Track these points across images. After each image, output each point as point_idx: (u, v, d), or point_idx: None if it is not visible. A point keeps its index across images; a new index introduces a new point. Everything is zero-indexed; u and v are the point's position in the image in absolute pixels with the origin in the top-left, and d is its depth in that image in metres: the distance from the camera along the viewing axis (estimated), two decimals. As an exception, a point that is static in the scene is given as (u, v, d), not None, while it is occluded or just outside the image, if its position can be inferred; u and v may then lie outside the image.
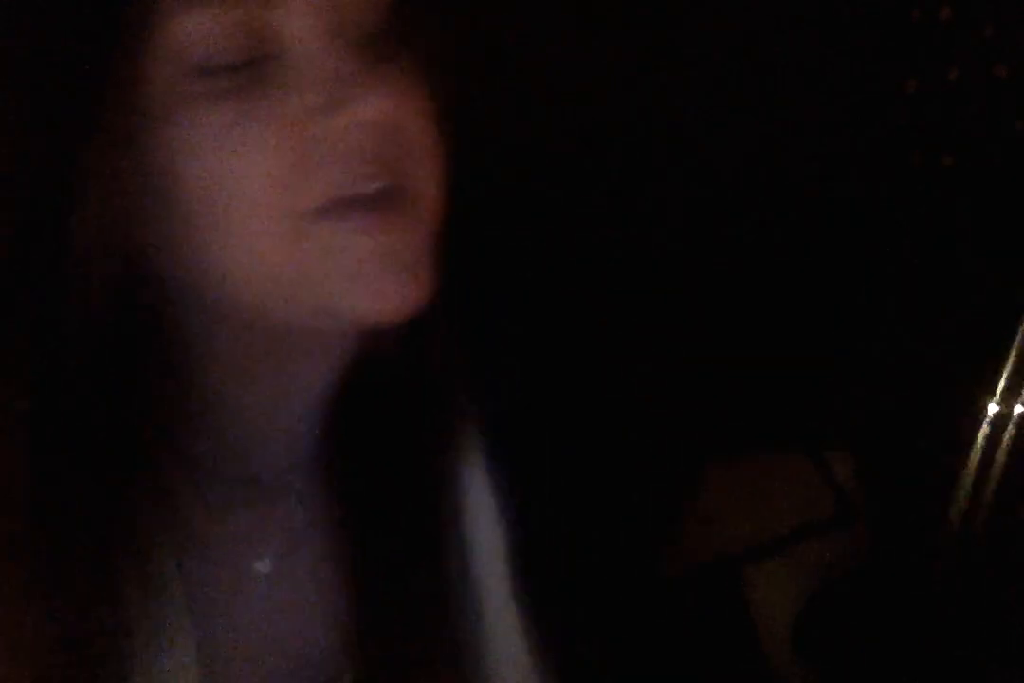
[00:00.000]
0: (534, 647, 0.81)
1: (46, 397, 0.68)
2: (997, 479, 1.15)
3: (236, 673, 0.76)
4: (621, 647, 0.85)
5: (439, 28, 0.74)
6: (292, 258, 0.69)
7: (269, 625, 0.78)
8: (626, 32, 1.31)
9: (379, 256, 0.69)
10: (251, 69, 0.68)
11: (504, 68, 1.20)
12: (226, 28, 0.67)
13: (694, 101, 1.33)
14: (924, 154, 1.25)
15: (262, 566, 0.78)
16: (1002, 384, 1.15)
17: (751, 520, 1.25)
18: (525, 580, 0.81)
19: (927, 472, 1.21)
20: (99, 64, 0.67)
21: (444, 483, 0.81)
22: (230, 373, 0.74)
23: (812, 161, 1.34)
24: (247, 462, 0.77)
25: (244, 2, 0.67)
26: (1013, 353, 1.13)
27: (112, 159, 0.67)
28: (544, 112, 1.26)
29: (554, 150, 1.25)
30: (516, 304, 0.87)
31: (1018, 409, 1.15)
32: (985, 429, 1.15)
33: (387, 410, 0.79)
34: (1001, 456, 1.14)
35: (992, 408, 1.15)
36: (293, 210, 0.68)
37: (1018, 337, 1.13)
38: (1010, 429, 1.15)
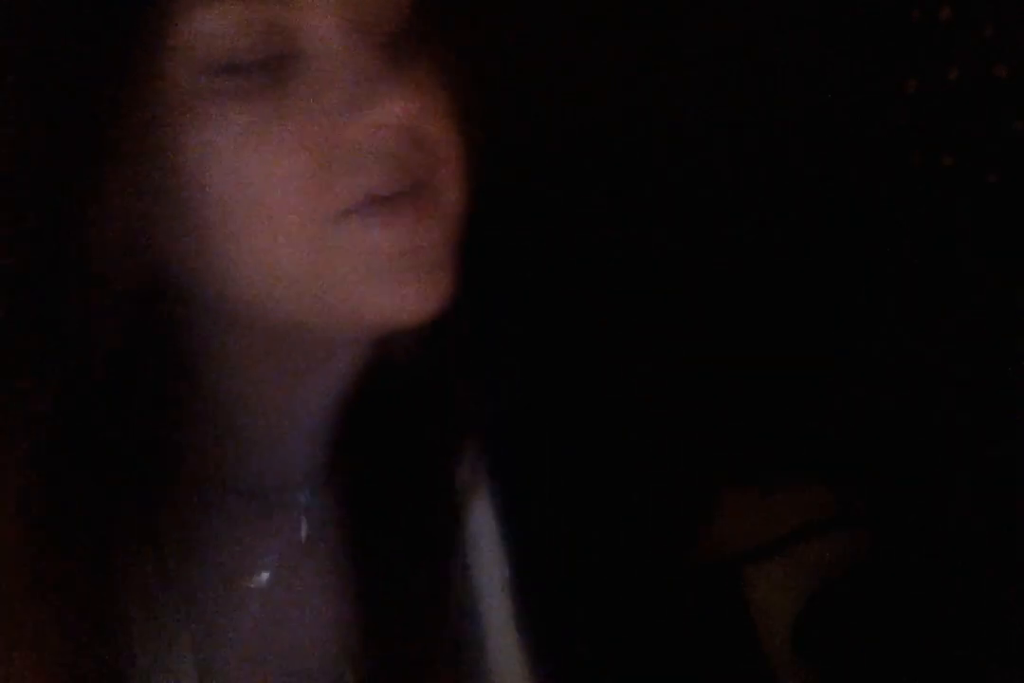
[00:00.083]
0: (535, 660, 0.80)
1: (62, 402, 0.67)
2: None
3: None
4: (620, 647, 0.85)
5: (462, 29, 0.74)
6: (314, 261, 0.68)
7: (267, 638, 0.77)
8: (626, 32, 1.31)
9: (403, 254, 0.69)
10: (271, 68, 0.67)
11: (506, 68, 1.20)
12: (246, 26, 0.66)
13: (694, 101, 1.33)
14: (924, 154, 1.25)
15: (261, 578, 0.77)
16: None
17: (751, 520, 1.25)
18: (527, 603, 0.80)
19: (927, 472, 1.21)
20: (115, 63, 0.66)
21: (451, 499, 0.80)
22: (241, 381, 0.74)
23: (812, 161, 1.34)
24: (253, 472, 0.76)
25: (264, 0, 0.66)
26: None
27: (130, 161, 0.66)
28: (544, 112, 1.26)
29: (552, 150, 1.25)
30: (530, 314, 0.86)
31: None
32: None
33: (397, 423, 0.79)
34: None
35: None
36: (316, 213, 0.67)
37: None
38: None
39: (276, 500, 0.78)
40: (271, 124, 0.67)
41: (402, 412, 0.79)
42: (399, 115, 0.68)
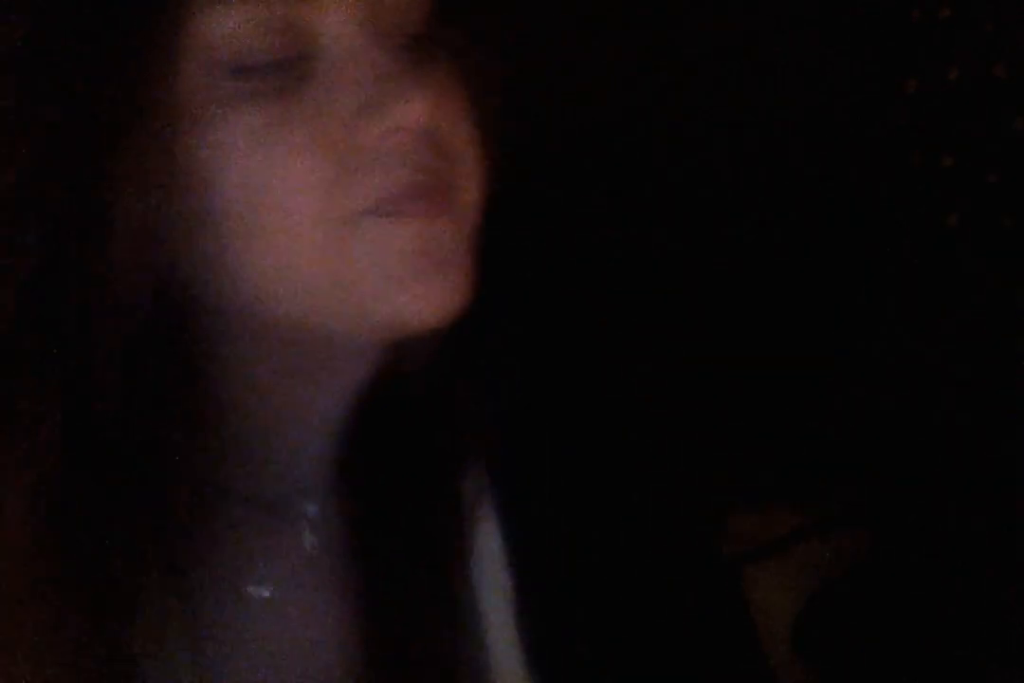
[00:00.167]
0: (538, 673, 0.80)
1: (68, 406, 0.67)
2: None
3: None
4: (620, 646, 0.85)
5: (481, 30, 0.73)
6: (330, 263, 0.67)
7: (269, 648, 0.76)
8: (626, 32, 1.31)
9: (420, 255, 0.67)
10: (287, 69, 0.66)
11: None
12: (261, 25, 0.65)
13: (694, 101, 1.33)
14: (924, 154, 1.25)
15: (265, 590, 0.76)
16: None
17: (751, 520, 1.25)
18: (531, 616, 0.80)
19: (927, 472, 1.21)
20: (127, 63, 0.64)
21: (457, 513, 0.79)
22: (251, 387, 0.72)
23: (812, 161, 1.34)
24: (259, 480, 0.75)
25: None
26: None
27: (142, 164, 0.65)
28: (544, 113, 1.26)
29: (552, 150, 1.25)
30: (537, 320, 0.86)
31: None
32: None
33: (405, 434, 0.78)
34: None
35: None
36: (331, 215, 0.66)
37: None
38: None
39: (282, 510, 0.76)
40: (286, 126, 0.66)
41: (410, 423, 0.77)
42: (416, 118, 0.66)
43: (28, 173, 0.66)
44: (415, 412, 0.78)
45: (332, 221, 0.66)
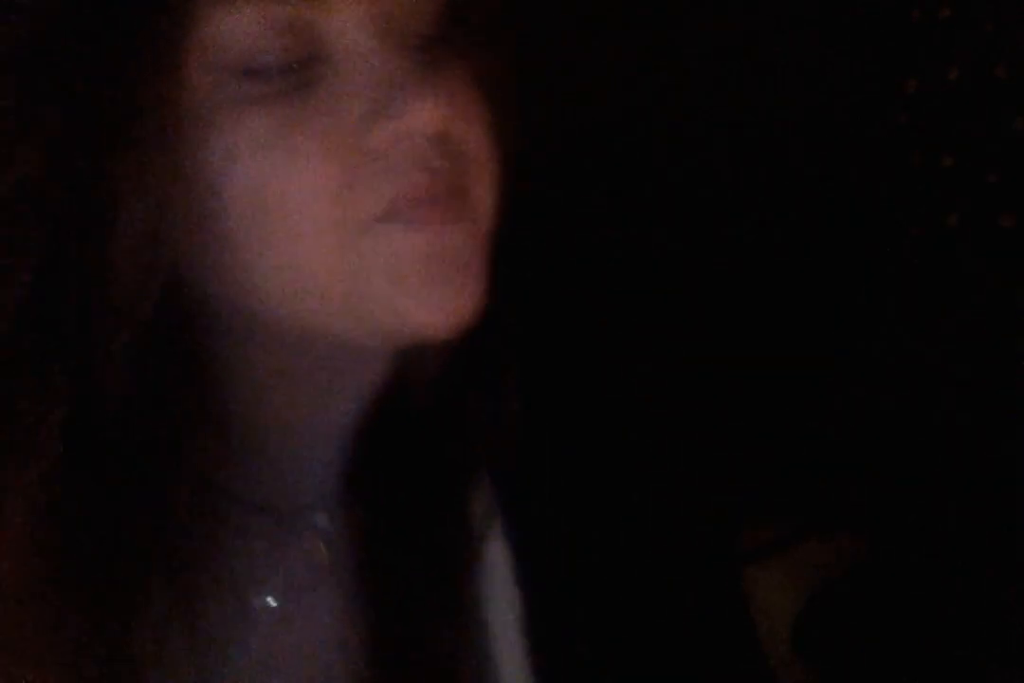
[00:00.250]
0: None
1: (75, 412, 0.66)
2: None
3: None
4: (621, 646, 0.85)
5: (495, 31, 0.72)
6: (341, 269, 0.65)
7: (273, 658, 0.75)
8: (626, 32, 1.31)
9: (433, 261, 0.66)
10: (296, 72, 0.64)
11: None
12: (269, 27, 0.64)
13: (694, 101, 1.33)
14: (924, 154, 1.25)
15: (272, 599, 0.75)
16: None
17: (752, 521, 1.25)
18: (538, 631, 0.79)
19: (927, 472, 1.21)
20: (129, 62, 0.63)
21: (467, 529, 0.78)
22: (258, 392, 0.71)
23: (812, 161, 1.34)
24: (268, 489, 0.74)
25: (289, 0, 0.63)
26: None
27: (148, 168, 0.63)
28: (542, 113, 1.26)
29: (551, 151, 1.25)
30: (550, 331, 0.85)
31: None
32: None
33: (415, 445, 0.77)
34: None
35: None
36: (341, 220, 0.65)
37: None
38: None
39: (291, 519, 0.75)
40: (294, 130, 0.64)
41: (420, 434, 0.76)
42: (428, 122, 0.65)
43: (30, 173, 0.65)
44: (425, 423, 0.76)
45: (342, 227, 0.65)
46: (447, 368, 0.74)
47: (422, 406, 0.76)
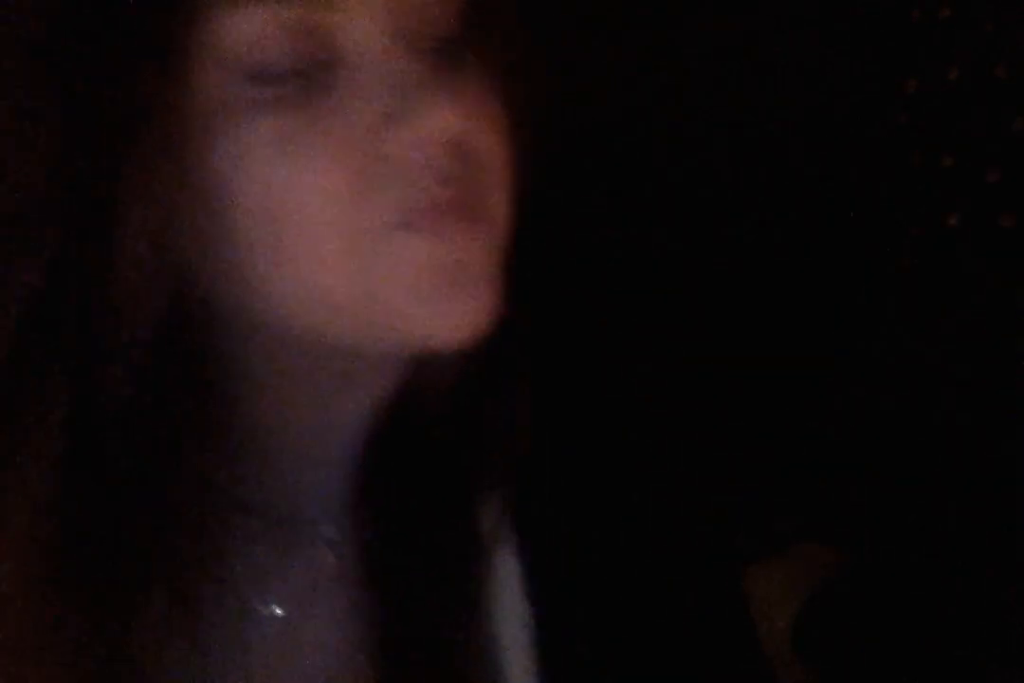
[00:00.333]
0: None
1: (81, 419, 0.65)
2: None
3: None
4: (621, 646, 0.85)
5: (511, 34, 0.71)
6: (353, 276, 0.65)
7: (278, 668, 0.74)
8: (626, 32, 1.31)
9: (447, 268, 0.65)
10: (308, 76, 0.64)
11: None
12: (281, 30, 0.63)
13: (694, 101, 1.33)
14: (924, 154, 1.25)
15: (277, 607, 0.74)
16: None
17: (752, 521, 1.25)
18: (548, 642, 0.79)
19: (927, 472, 1.21)
20: (141, 68, 0.62)
21: (477, 542, 0.78)
22: (268, 398, 0.71)
23: (812, 161, 1.34)
24: (276, 496, 0.73)
25: (301, 1, 0.63)
26: None
27: (157, 174, 0.63)
28: (543, 112, 1.26)
29: (553, 152, 1.25)
30: (562, 341, 0.84)
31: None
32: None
33: (428, 455, 0.76)
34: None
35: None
36: (354, 227, 0.64)
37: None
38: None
39: (299, 528, 0.75)
40: (307, 136, 0.63)
41: (432, 443, 0.76)
42: (443, 128, 0.64)
43: (36, 177, 0.65)
44: (438, 432, 0.76)
45: (354, 234, 0.64)
46: (460, 377, 0.74)
47: (434, 415, 0.75)
